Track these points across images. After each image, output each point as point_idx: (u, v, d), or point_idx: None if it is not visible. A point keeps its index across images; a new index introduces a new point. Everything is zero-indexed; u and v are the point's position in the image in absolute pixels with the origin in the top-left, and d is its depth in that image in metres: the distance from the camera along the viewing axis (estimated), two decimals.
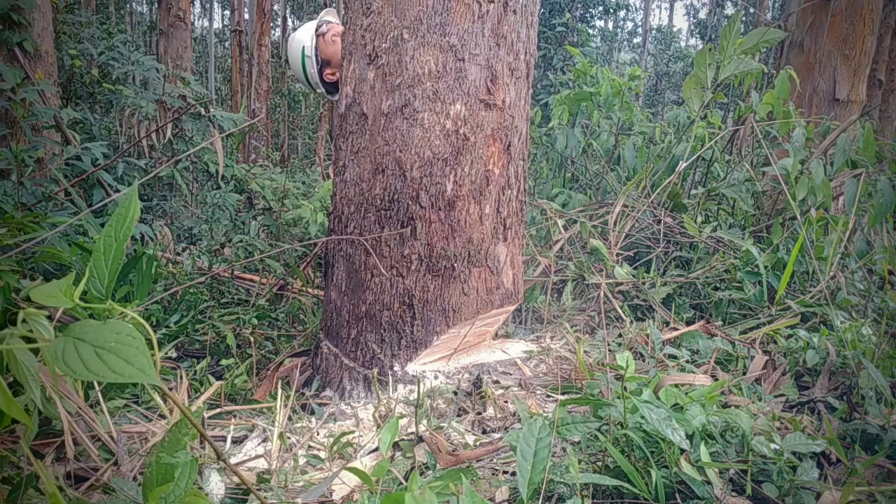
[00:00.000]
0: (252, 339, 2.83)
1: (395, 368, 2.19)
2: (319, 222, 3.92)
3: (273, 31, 20.44)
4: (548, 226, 3.55)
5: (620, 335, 2.57)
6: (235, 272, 3.55)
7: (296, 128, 21.22)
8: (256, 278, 3.54)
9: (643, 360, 2.32)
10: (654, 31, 35.01)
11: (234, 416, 2.08)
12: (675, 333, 2.51)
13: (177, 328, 2.82)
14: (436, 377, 2.19)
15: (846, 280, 2.80)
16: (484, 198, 2.16)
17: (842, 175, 3.15)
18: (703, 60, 3.48)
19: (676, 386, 1.77)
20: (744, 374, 2.24)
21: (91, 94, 7.47)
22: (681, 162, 3.49)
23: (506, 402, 2.06)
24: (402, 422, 1.93)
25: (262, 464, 1.77)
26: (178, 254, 3.96)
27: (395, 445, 1.79)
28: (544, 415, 1.85)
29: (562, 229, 3.40)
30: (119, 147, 5.14)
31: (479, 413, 2.02)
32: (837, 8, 4.34)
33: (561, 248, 3.35)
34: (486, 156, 2.14)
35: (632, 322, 2.65)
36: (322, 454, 1.82)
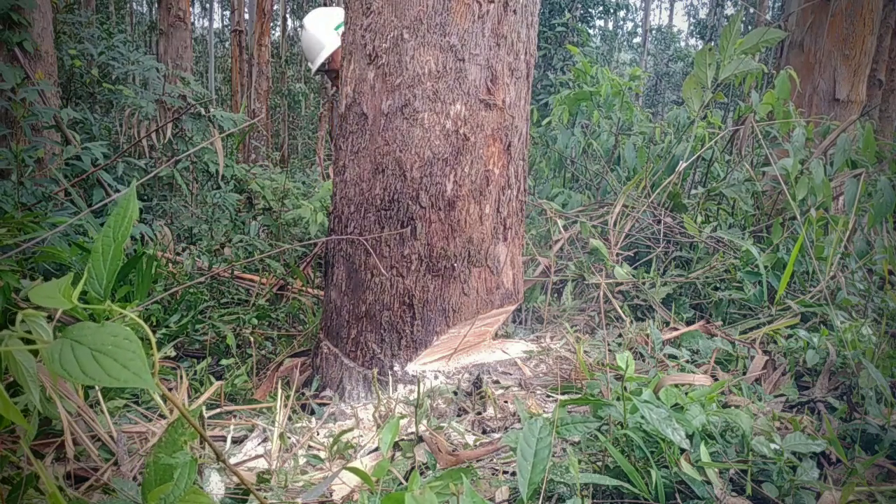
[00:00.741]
0: (252, 339, 2.83)
1: (395, 368, 2.19)
2: (319, 222, 3.92)
3: (273, 31, 20.44)
4: (548, 226, 3.55)
5: (620, 335, 2.57)
6: (235, 272, 3.55)
7: (296, 128, 21.22)
8: (256, 278, 3.54)
9: (643, 360, 2.32)
10: (654, 31, 35.01)
11: (234, 416, 2.08)
12: (675, 333, 2.51)
13: (177, 328, 2.82)
14: (436, 377, 2.19)
15: (846, 280, 2.80)
16: (484, 198, 2.16)
17: (842, 175, 3.15)
18: (703, 60, 3.47)
19: (676, 386, 1.77)
20: (744, 374, 2.24)
21: (91, 94, 7.47)
22: (681, 162, 3.49)
23: (506, 402, 2.06)
24: (402, 422, 1.93)
25: (262, 464, 1.77)
26: (178, 254, 3.96)
27: (395, 445, 1.79)
28: (544, 415, 1.85)
29: (562, 229, 3.40)
30: (119, 147, 5.14)
31: (479, 413, 2.02)
32: (837, 8, 4.34)
33: (561, 248, 3.35)
34: (486, 156, 2.14)
35: (632, 322, 2.65)
36: (322, 454, 1.82)
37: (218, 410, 2.07)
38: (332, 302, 2.32)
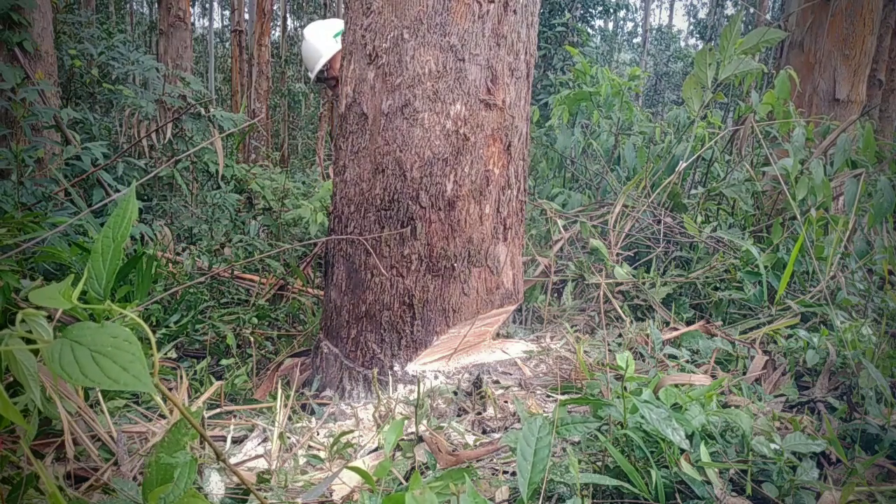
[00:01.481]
0: (252, 339, 2.83)
1: (395, 368, 2.19)
2: (319, 222, 3.92)
3: (273, 31, 20.44)
4: (548, 226, 3.55)
5: (620, 335, 2.57)
6: (235, 272, 3.55)
7: (296, 128, 21.22)
8: (256, 278, 3.54)
9: (643, 360, 2.32)
10: (653, 31, 35.01)
11: (234, 416, 2.08)
12: (675, 333, 2.51)
13: (177, 328, 2.82)
14: (436, 377, 2.19)
15: (846, 280, 2.80)
16: (484, 198, 2.16)
17: (842, 175, 3.15)
18: (703, 60, 3.47)
19: (676, 386, 1.77)
20: (744, 374, 2.24)
21: (91, 94, 7.47)
22: (681, 162, 3.49)
23: (506, 402, 2.06)
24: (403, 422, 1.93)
25: (262, 464, 1.77)
26: (178, 254, 3.96)
27: (395, 445, 1.79)
28: (544, 415, 1.85)
29: (562, 229, 3.40)
30: (119, 147, 5.14)
31: (479, 413, 2.02)
32: (837, 8, 4.34)
33: (561, 248, 3.35)
34: (486, 156, 2.14)
35: (632, 322, 2.65)
36: (322, 454, 1.82)
37: (218, 410, 2.07)
38: (332, 302, 2.32)
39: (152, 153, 4.81)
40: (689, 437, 1.50)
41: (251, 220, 4.43)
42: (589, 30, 15.76)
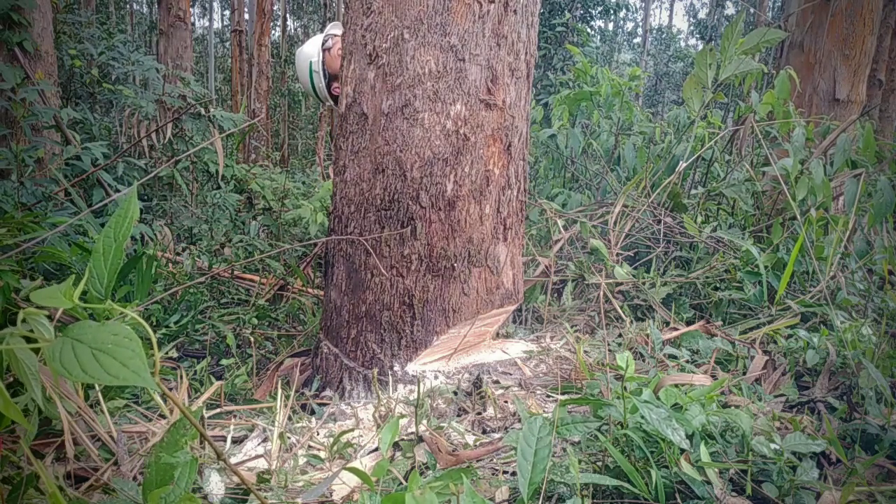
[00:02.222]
0: (252, 339, 2.83)
1: (395, 368, 2.19)
2: (319, 222, 3.92)
3: (273, 31, 20.45)
4: (548, 226, 3.55)
5: (620, 335, 2.57)
6: (235, 272, 3.55)
7: (296, 128, 21.23)
8: (256, 278, 3.54)
9: (643, 360, 2.32)
10: (654, 31, 35.02)
11: (234, 416, 2.08)
12: (675, 333, 2.51)
13: (177, 328, 2.82)
14: (436, 377, 2.19)
15: (846, 280, 2.80)
16: (484, 198, 2.16)
17: (842, 175, 3.15)
18: (704, 60, 3.48)
19: (676, 386, 1.77)
20: (744, 374, 2.24)
21: (91, 94, 7.47)
22: (681, 162, 3.49)
23: (506, 402, 2.06)
24: (402, 422, 1.93)
25: (262, 464, 1.77)
26: (178, 254, 3.96)
27: (395, 445, 1.79)
28: (545, 415, 1.85)
29: (562, 229, 3.40)
30: (119, 147, 5.14)
31: (479, 413, 2.02)
32: (837, 8, 4.34)
33: (561, 248, 3.35)
34: (486, 156, 2.14)
35: (632, 322, 2.65)
36: (322, 454, 1.82)
37: (218, 410, 2.07)
38: (332, 302, 2.32)
39: (152, 153, 4.81)
40: (689, 437, 1.50)
41: (251, 220, 4.43)
42: (589, 30, 15.76)
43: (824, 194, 2.96)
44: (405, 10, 2.04)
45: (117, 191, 3.89)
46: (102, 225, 3.25)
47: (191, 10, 9.80)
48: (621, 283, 2.95)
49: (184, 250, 4.18)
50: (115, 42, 6.92)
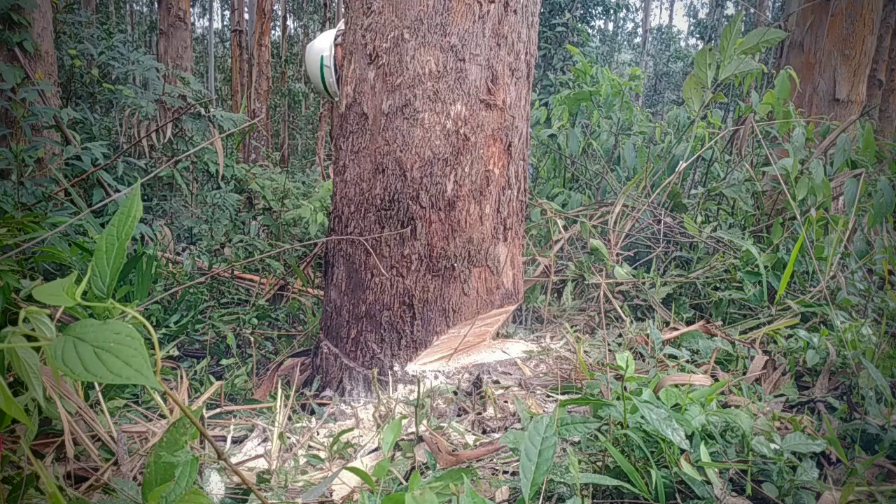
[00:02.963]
0: (252, 339, 2.83)
1: (395, 368, 2.19)
2: (319, 222, 3.92)
3: (273, 31, 20.45)
4: (548, 226, 3.55)
5: (620, 335, 2.57)
6: (235, 272, 3.55)
7: (296, 128, 21.23)
8: (256, 278, 3.54)
9: (643, 360, 2.32)
10: (653, 31, 35.02)
11: (234, 416, 2.08)
12: (675, 333, 2.51)
13: (177, 328, 2.82)
14: (436, 377, 2.19)
15: (846, 280, 2.80)
16: (484, 198, 2.16)
17: (842, 175, 3.15)
18: (704, 60, 3.48)
19: (676, 386, 1.77)
20: (744, 374, 2.24)
21: (91, 94, 7.47)
22: (681, 162, 3.49)
23: (506, 402, 2.06)
24: (403, 422, 1.93)
25: (262, 464, 1.77)
26: (178, 254, 3.96)
27: (395, 445, 1.79)
28: (545, 415, 1.85)
29: (562, 229, 3.40)
30: (119, 147, 5.14)
31: (479, 413, 2.02)
32: (837, 8, 4.34)
33: (561, 248, 3.35)
34: (486, 156, 2.14)
35: (632, 322, 2.65)
36: (322, 454, 1.82)
37: (218, 410, 2.08)
38: (332, 302, 2.32)
39: (152, 153, 4.81)
40: (689, 437, 1.50)
41: (251, 220, 4.43)
42: (589, 30, 15.77)
43: (824, 194, 2.96)
44: (405, 10, 2.04)
45: (117, 191, 3.89)
46: (102, 225, 3.25)
47: (191, 10, 9.80)
48: (621, 283, 2.95)
49: (184, 250, 4.18)
50: (115, 42, 6.92)
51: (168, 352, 2.55)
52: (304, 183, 7.26)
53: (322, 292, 3.13)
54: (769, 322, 2.60)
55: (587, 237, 3.30)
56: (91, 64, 7.34)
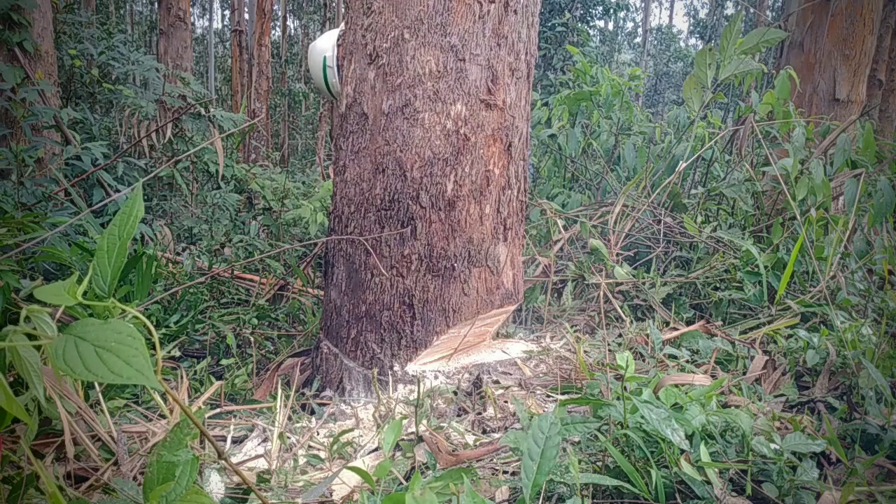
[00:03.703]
0: (252, 339, 2.83)
1: (395, 368, 2.19)
2: (319, 222, 3.92)
3: (273, 31, 20.45)
4: (548, 226, 3.55)
5: (620, 335, 2.57)
6: (235, 272, 3.55)
7: (296, 128, 21.23)
8: (256, 278, 3.54)
9: (643, 360, 2.32)
10: (654, 31, 35.03)
11: (234, 416, 2.08)
12: (675, 333, 2.51)
13: (177, 328, 2.82)
14: (436, 377, 2.19)
15: (846, 280, 2.80)
16: (484, 198, 2.16)
17: (842, 175, 3.15)
18: (704, 60, 3.48)
19: (676, 386, 1.77)
20: (744, 374, 2.24)
21: (91, 94, 7.47)
22: (681, 162, 3.49)
23: (506, 402, 2.06)
24: (403, 422, 1.93)
25: (262, 464, 1.77)
26: (178, 254, 3.96)
27: (396, 445, 1.79)
28: (547, 414, 1.85)
29: (562, 229, 3.40)
30: (119, 147, 5.14)
31: (479, 413, 2.02)
32: (837, 8, 4.34)
33: (561, 248, 3.35)
34: (486, 156, 2.14)
35: (632, 322, 2.65)
36: (322, 454, 1.82)
37: (218, 410, 2.08)
38: (332, 302, 2.32)
39: (152, 153, 4.81)
40: (689, 437, 1.50)
41: (251, 220, 4.43)
42: (589, 30, 15.76)
43: (824, 194, 2.96)
44: (405, 10, 2.04)
45: (117, 191, 3.89)
46: (103, 225, 3.25)
47: (191, 10, 9.80)
48: (621, 283, 2.95)
49: (184, 250, 4.18)
50: (115, 42, 6.92)
51: (169, 352, 2.55)
52: (304, 183, 7.27)
53: (322, 292, 3.13)
54: (769, 322, 2.60)
55: (587, 237, 3.30)
56: (91, 64, 7.35)
